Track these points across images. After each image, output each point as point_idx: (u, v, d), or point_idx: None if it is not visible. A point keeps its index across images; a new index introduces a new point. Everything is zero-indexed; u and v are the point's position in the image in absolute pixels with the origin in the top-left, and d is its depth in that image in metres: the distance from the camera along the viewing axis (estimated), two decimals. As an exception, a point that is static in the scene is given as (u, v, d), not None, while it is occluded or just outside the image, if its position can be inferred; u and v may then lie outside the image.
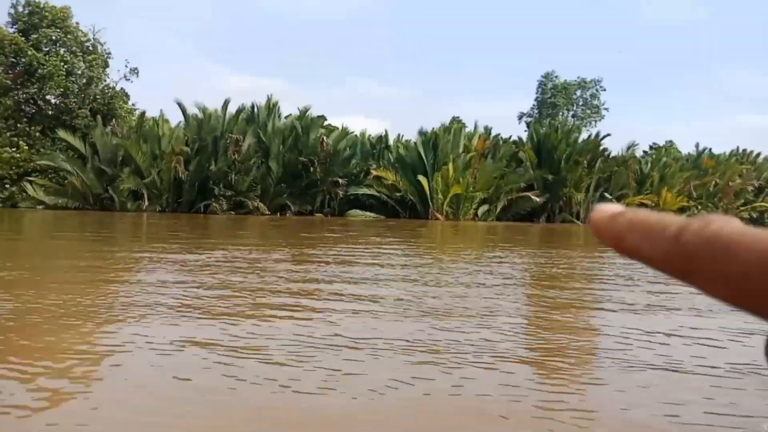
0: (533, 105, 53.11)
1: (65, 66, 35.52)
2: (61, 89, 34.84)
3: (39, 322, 5.01)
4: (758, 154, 42.50)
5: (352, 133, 37.47)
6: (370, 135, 38.05)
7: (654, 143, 46.91)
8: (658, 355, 5.00)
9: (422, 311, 6.45)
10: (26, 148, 32.38)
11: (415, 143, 35.78)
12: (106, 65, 37.83)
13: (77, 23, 37.45)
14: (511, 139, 38.33)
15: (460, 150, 34.93)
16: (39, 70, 34.57)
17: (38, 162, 31.37)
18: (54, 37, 36.37)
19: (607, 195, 35.70)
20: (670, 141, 47.58)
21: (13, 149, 32.24)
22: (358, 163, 35.83)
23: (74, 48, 36.55)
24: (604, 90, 52.59)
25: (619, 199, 35.74)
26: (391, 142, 37.40)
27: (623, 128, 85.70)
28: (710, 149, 41.17)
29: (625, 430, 3.31)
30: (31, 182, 31.10)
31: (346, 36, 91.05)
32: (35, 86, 34.39)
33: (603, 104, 52.71)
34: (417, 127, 36.11)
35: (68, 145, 32.54)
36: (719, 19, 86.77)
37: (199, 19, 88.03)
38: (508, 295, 7.78)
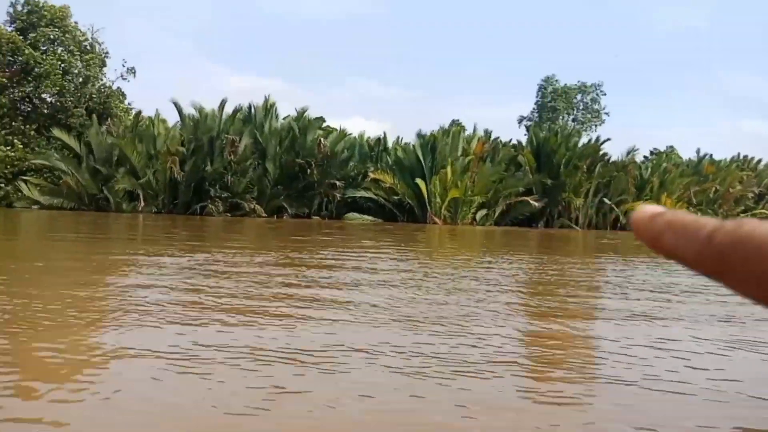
0: (533, 109, 52.91)
1: (62, 65, 35.47)
2: (57, 88, 34.77)
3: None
4: (759, 161, 42.20)
5: (350, 134, 37.29)
6: (368, 137, 37.86)
7: (655, 148, 46.64)
8: (633, 368, 4.73)
9: (394, 319, 6.19)
10: (21, 146, 32.26)
11: (413, 146, 35.56)
12: (104, 64, 37.78)
13: (76, 22, 37.45)
14: (511, 143, 38.10)
15: (459, 153, 34.69)
16: (36, 69, 34.50)
17: (33, 161, 31.24)
18: (52, 36, 36.32)
19: (606, 200, 35.43)
20: (671, 146, 47.30)
21: (8, 147, 32.12)
22: (356, 165, 35.62)
23: (72, 47, 36.49)
24: (605, 94, 52.44)
25: (618, 205, 35.47)
26: (390, 144, 37.20)
27: (624, 133, 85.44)
28: (711, 155, 40.91)
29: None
30: (25, 181, 30.96)
31: (346, 37, 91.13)
32: (31, 85, 34.33)
33: (603, 108, 52.53)
34: (417, 129, 35.82)
35: (63, 144, 32.42)
36: (722, 22, 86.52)
37: (199, 18, 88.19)
38: (488, 303, 7.51)
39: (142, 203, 30.80)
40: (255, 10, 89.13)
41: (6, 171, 31.68)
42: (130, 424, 2.96)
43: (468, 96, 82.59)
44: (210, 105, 35.04)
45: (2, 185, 31.80)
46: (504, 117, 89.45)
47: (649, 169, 37.69)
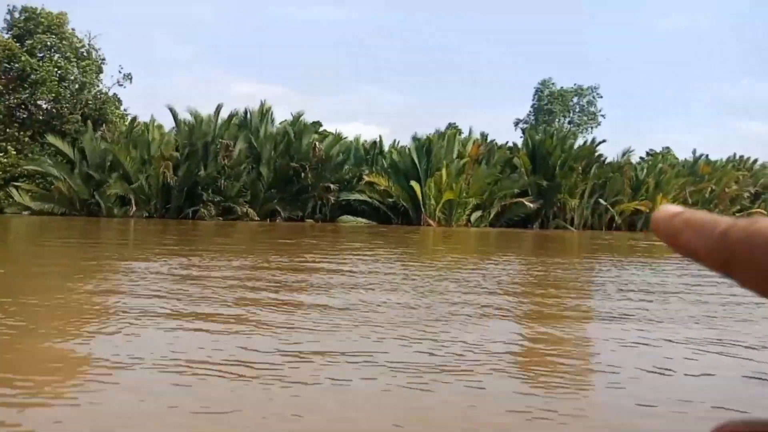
0: (529, 112, 52.79)
1: (58, 72, 35.50)
2: (53, 94, 34.77)
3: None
4: (755, 161, 42.05)
5: (345, 138, 37.24)
6: (364, 141, 37.82)
7: (651, 149, 46.49)
8: (601, 373, 4.63)
9: (359, 322, 6.10)
10: (14, 153, 32.24)
11: (408, 149, 35.50)
12: (100, 71, 37.79)
13: (73, 29, 37.50)
14: (506, 145, 38.02)
15: (454, 156, 34.60)
16: (32, 76, 34.53)
17: (25, 167, 31.21)
18: (49, 43, 36.35)
19: (601, 201, 35.29)
20: (668, 147, 47.16)
21: (1, 154, 32.11)
22: (350, 168, 35.56)
23: (68, 54, 36.52)
24: (601, 97, 52.32)
25: (613, 205, 35.33)
26: (386, 147, 37.16)
27: (620, 135, 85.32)
28: (707, 155, 40.77)
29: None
30: (17, 187, 30.93)
31: (347, 43, 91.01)
32: (27, 92, 34.33)
33: (600, 111, 52.40)
34: (413, 133, 35.81)
35: (57, 150, 32.39)
36: (719, 25, 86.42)
37: (201, 24, 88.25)
38: (462, 306, 7.40)
39: (134, 208, 30.71)
40: (257, 15, 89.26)
41: (-2, 177, 31.64)
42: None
43: (467, 100, 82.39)
44: (208, 111, 35.04)
45: (-6, 191, 31.75)
46: (502, 120, 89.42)
47: (645, 170, 37.56)
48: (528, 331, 6.23)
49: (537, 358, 5.11)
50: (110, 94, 37.77)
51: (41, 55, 35.94)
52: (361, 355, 4.68)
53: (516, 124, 53.58)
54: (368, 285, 8.78)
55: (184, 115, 34.33)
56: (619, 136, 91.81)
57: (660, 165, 38.31)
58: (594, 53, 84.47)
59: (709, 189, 37.44)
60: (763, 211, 40.31)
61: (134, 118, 35.73)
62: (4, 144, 32.52)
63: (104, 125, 34.69)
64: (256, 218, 31.91)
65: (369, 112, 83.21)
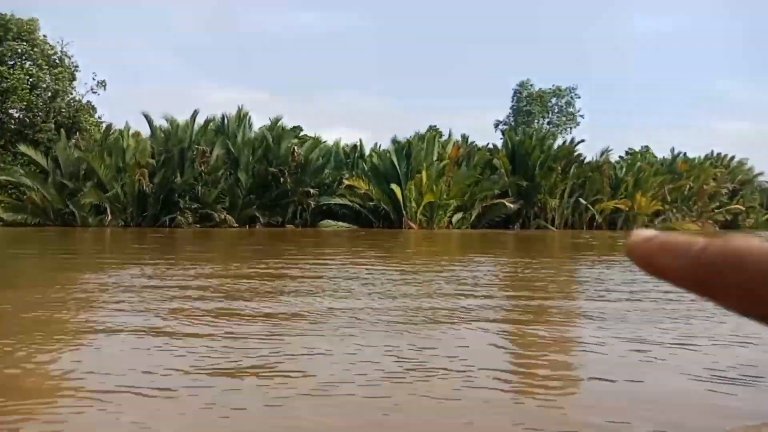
0: (509, 113, 53.01)
1: (30, 79, 34.82)
2: (25, 103, 34.09)
3: None
4: (732, 158, 42.57)
5: (325, 142, 37.00)
6: (345, 144, 37.60)
7: (630, 148, 46.87)
8: (556, 373, 4.44)
9: (313, 328, 5.87)
10: (-15, 163, 31.54)
11: (388, 152, 35.35)
12: (73, 78, 37.14)
13: (44, 36, 36.82)
14: (486, 147, 38.06)
15: (434, 158, 34.53)
16: (2, 84, 33.84)
17: (-3, 178, 30.54)
18: (19, 50, 35.65)
19: (581, 200, 35.43)
20: (647, 146, 47.58)
21: (-28, 165, 31.40)
22: (330, 172, 35.31)
23: (40, 61, 35.84)
24: (579, 97, 52.74)
25: (593, 204, 35.48)
26: (367, 151, 36.98)
27: (599, 134, 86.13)
28: (685, 153, 41.17)
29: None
30: (-12, 199, 30.24)
31: (328, 49, 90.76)
32: (-3, 100, 33.63)
33: (578, 111, 52.79)
34: (393, 136, 35.64)
35: (30, 160, 31.73)
36: (697, 25, 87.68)
37: (180, 31, 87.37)
38: (425, 310, 7.20)
39: (110, 217, 30.13)
40: (237, 23, 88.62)
41: (-31, 189, 30.90)
42: None
43: (447, 103, 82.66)
44: (185, 117, 34.56)
45: (-35, 203, 30.98)
46: (483, 122, 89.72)
47: (624, 169, 37.81)
48: (484, 335, 6.03)
49: (498, 363, 4.92)
50: (84, 101, 37.14)
51: (12, 62, 35.23)
52: (310, 365, 4.46)
53: (496, 125, 53.79)
54: (330, 290, 8.55)
55: (160, 122, 33.89)
56: (597, 136, 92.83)
57: (639, 163, 38.61)
58: (572, 54, 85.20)
59: (688, 186, 37.79)
60: (741, 207, 40.80)
61: (109, 126, 35.13)
62: (-26, 154, 31.81)
63: (78, 133, 34.06)
64: (235, 225, 31.49)
65: (350, 117, 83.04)
